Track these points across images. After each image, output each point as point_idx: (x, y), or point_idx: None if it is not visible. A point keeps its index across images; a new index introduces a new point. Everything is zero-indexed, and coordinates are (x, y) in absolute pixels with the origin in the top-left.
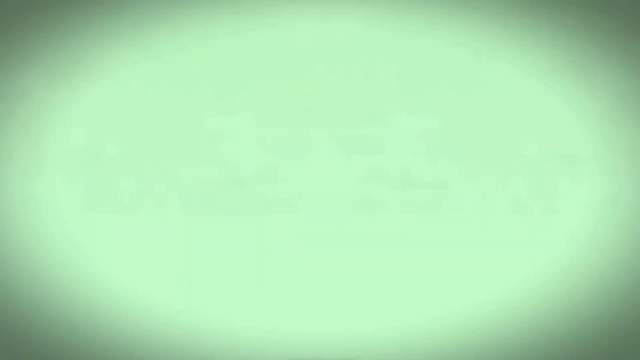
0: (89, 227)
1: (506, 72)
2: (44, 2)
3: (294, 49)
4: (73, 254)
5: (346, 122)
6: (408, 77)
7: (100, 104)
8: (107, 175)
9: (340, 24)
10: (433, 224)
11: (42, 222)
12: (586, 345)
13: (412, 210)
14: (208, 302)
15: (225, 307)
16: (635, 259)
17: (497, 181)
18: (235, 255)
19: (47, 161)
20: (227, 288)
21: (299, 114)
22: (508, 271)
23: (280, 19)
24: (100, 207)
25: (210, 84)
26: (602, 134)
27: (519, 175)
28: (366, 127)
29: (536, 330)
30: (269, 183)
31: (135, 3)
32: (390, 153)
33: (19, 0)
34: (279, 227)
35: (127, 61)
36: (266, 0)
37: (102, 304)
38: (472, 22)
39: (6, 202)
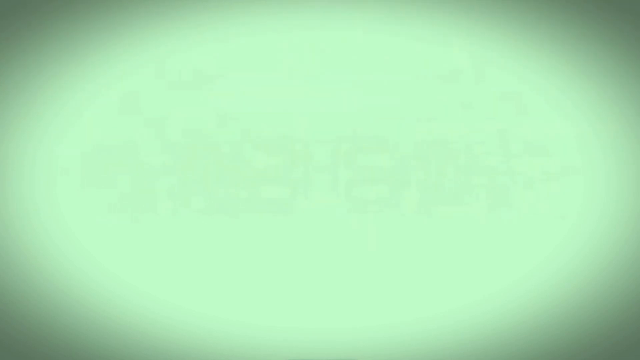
0: (89, 227)
1: (505, 78)
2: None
3: (298, 54)
4: (74, 254)
5: (347, 126)
6: (408, 81)
7: (105, 104)
8: (108, 176)
9: (346, 32)
10: (428, 224)
11: (43, 223)
12: (585, 345)
13: (408, 210)
14: (208, 302)
15: (225, 307)
16: (634, 259)
17: (493, 181)
18: (235, 255)
19: (47, 162)
20: (227, 288)
21: (300, 117)
22: (506, 270)
23: (284, 26)
24: (102, 207)
25: (212, 86)
26: (597, 133)
27: (516, 176)
28: (366, 131)
29: (535, 329)
30: (267, 184)
31: (143, 3)
32: (388, 154)
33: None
34: (279, 227)
35: (129, 63)
36: (269, 6)
37: (102, 304)
38: (477, 28)
39: (7, 202)
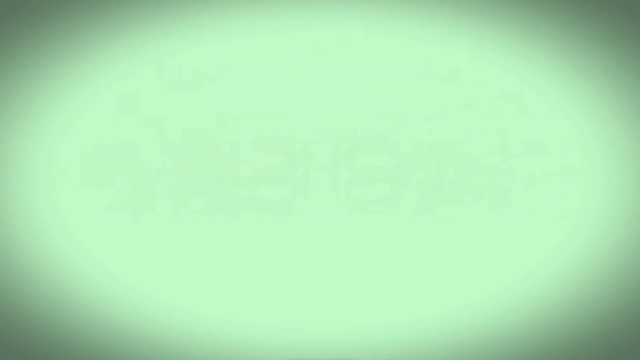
0: (89, 227)
1: (505, 78)
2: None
3: (298, 54)
4: (74, 254)
5: (347, 126)
6: (408, 81)
7: (105, 104)
8: (108, 176)
9: (347, 32)
10: (428, 224)
11: (42, 223)
12: (585, 345)
13: (408, 210)
14: (208, 302)
15: (225, 307)
16: (634, 259)
17: (493, 181)
18: (235, 255)
19: (47, 162)
20: (227, 288)
21: (300, 117)
22: (506, 270)
23: (285, 26)
24: (102, 207)
25: (212, 86)
26: (597, 133)
27: (516, 176)
28: (366, 131)
29: (535, 329)
30: (267, 184)
31: (143, 3)
32: (388, 154)
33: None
34: (279, 227)
35: (129, 63)
36: (271, 6)
37: (102, 304)
38: (477, 28)
39: (7, 202)
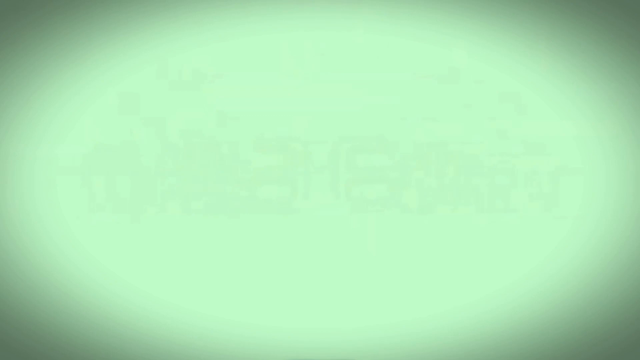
0: (89, 227)
1: (505, 78)
2: None
3: (298, 54)
4: (73, 254)
5: (347, 126)
6: (408, 81)
7: (105, 104)
8: (108, 176)
9: (348, 33)
10: (428, 223)
11: (42, 223)
12: (585, 345)
13: (408, 210)
14: (208, 302)
15: (225, 307)
16: (634, 258)
17: (493, 181)
18: (235, 255)
19: (47, 162)
20: (227, 288)
21: (300, 117)
22: (505, 270)
23: (284, 27)
24: (102, 207)
25: (213, 87)
26: (597, 133)
27: (515, 176)
28: (366, 131)
29: (535, 329)
30: (267, 184)
31: (143, 3)
32: (388, 154)
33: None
34: (279, 227)
35: (129, 63)
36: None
37: (102, 304)
38: (477, 28)
39: (7, 202)
